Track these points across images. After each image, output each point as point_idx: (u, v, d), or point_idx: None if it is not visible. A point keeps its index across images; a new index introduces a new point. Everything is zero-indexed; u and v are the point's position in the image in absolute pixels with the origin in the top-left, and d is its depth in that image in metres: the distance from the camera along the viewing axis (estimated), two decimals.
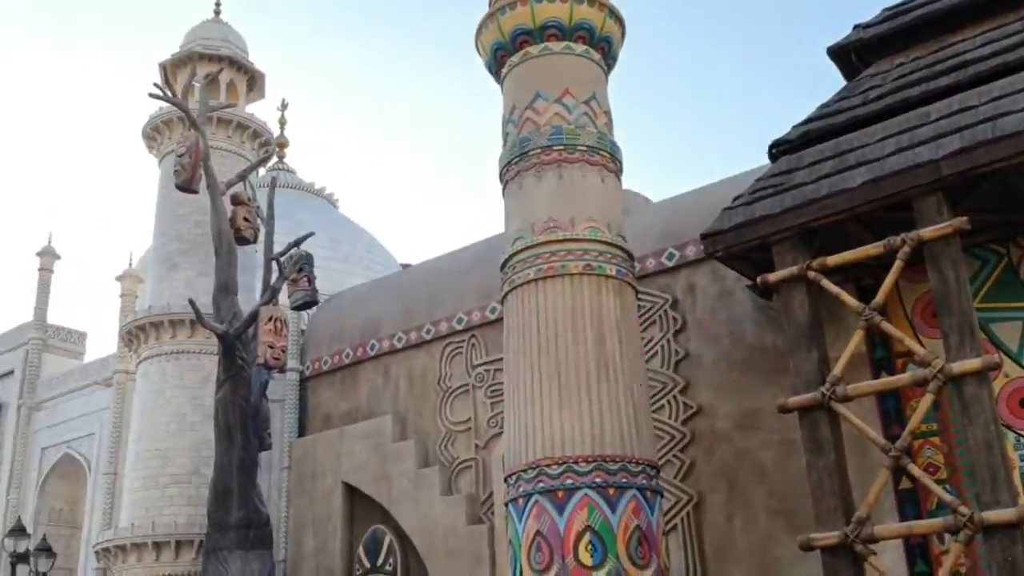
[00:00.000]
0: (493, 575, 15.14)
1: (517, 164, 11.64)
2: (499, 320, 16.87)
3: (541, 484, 10.12)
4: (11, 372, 22.02)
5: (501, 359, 16.47)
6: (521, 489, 10.32)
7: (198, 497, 15.70)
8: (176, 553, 15.17)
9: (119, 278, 20.34)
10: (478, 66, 12.56)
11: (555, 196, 11.27)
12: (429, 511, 16.23)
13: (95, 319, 64.72)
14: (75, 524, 20.20)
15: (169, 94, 15.67)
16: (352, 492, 17.71)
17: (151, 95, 14.55)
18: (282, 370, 14.69)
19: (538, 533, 10.02)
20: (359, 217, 33.37)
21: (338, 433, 18.07)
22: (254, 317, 12.85)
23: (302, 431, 18.84)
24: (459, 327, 17.31)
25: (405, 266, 22.32)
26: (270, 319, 12.44)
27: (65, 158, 70.58)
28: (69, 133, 68.19)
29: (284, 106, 28.03)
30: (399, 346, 18.20)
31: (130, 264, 20.78)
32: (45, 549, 15.96)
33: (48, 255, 22.42)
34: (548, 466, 10.13)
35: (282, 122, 27.48)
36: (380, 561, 16.83)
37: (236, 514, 13.01)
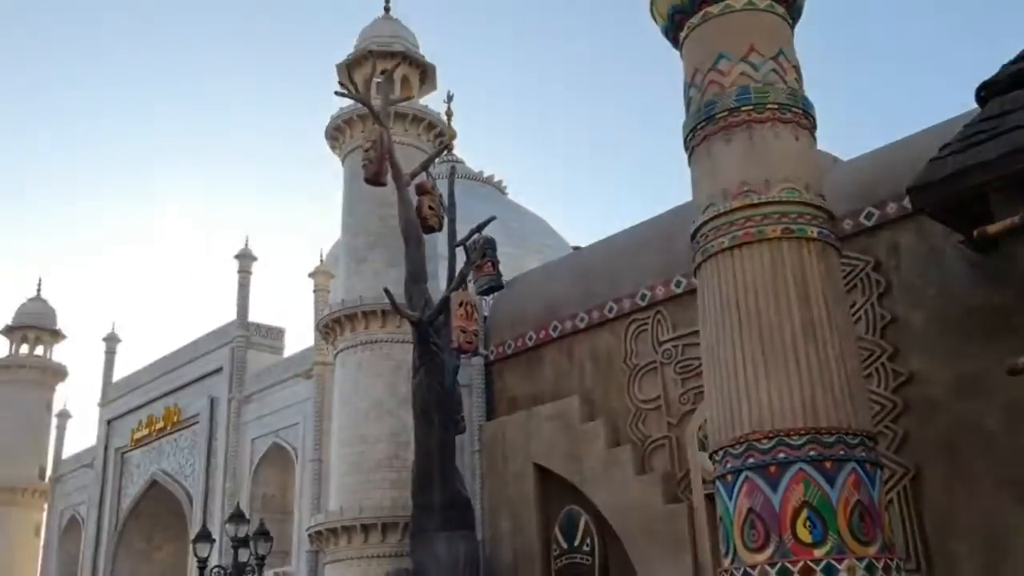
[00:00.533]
0: (694, 555, 14.83)
1: (703, 129, 11.24)
2: (685, 294, 16.58)
3: (751, 459, 9.75)
4: (220, 369, 23.51)
5: (689, 334, 16.17)
6: (729, 465, 9.98)
7: (400, 481, 16.20)
8: (383, 535, 15.70)
9: (311, 275, 21.26)
10: (640, 40, 12.25)
11: (746, 159, 10.82)
12: (623, 491, 16.08)
13: (291, 315, 68.58)
14: (286, 509, 21.32)
15: (352, 93, 16.13)
16: (544, 473, 17.81)
17: (337, 93, 15.04)
18: (475, 353, 14.91)
19: (751, 511, 9.66)
20: (528, 203, 33.61)
21: (526, 415, 18.20)
22: (445, 303, 13.08)
23: (490, 415, 19.10)
24: (643, 303, 17.04)
25: (576, 248, 22.17)
26: (461, 304, 12.61)
27: (257, 168, 75.31)
28: (258, 142, 72.58)
29: (450, 98, 28.44)
30: (581, 326, 18.13)
31: (321, 260, 21.68)
32: (263, 533, 16.88)
33: (246, 257, 23.76)
34: (758, 440, 9.74)
35: (449, 114, 27.84)
36: (577, 542, 16.84)
37: (439, 496, 13.30)
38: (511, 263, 22.79)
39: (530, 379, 19.06)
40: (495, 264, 14.36)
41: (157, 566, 26.85)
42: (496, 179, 32.57)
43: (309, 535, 16.74)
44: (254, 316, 23.86)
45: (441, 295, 14.59)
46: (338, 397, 17.26)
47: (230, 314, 23.83)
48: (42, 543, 31.44)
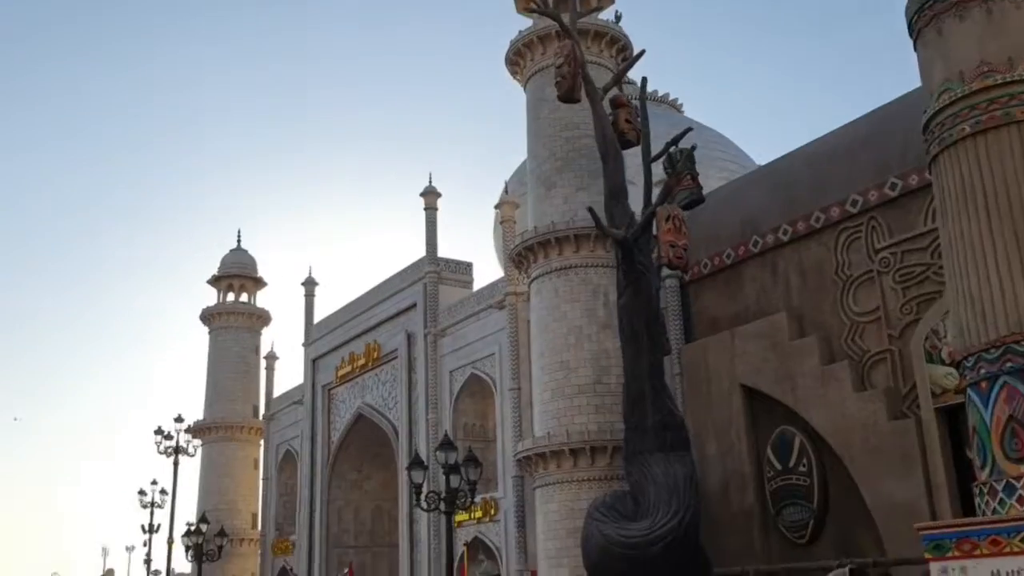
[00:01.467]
0: (925, 472, 13.92)
1: (931, 8, 10.15)
2: (902, 197, 15.36)
3: (1009, 364, 8.88)
4: (414, 305, 24.10)
5: (909, 239, 15.00)
6: (983, 371, 9.12)
7: (603, 405, 16.06)
8: (592, 459, 15.65)
9: (497, 206, 21.26)
10: None
11: (985, 35, 9.69)
12: (842, 409, 15.26)
13: (475, 250, 70.06)
14: (486, 437, 21.77)
15: (542, 8, 15.62)
16: (751, 394, 17.20)
17: (526, 10, 14.58)
18: (685, 269, 14.37)
19: (1011, 418, 8.83)
20: (706, 120, 32.31)
21: (729, 335, 17.55)
22: (651, 218, 12.59)
23: (687, 337, 18.59)
24: (854, 210, 15.91)
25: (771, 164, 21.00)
26: (668, 218, 12.08)
27: (435, 103, 76.83)
28: (437, 78, 73.84)
29: (618, 18, 27.52)
30: (785, 239, 17.18)
31: (505, 191, 21.63)
32: (472, 459, 17.23)
33: (431, 194, 24.06)
34: (1016, 342, 8.84)
35: None
36: (792, 463, 16.19)
37: (652, 417, 13.01)
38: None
39: (730, 298, 18.36)
40: (695, 177, 13.68)
41: (367, 494, 28.26)
42: (671, 97, 31.47)
43: (517, 461, 16.92)
44: (442, 252, 24.22)
45: (637, 214, 14.11)
46: (536, 324, 17.22)
47: (418, 252, 24.29)
48: (261, 475, 33.79)
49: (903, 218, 15.14)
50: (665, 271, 15.12)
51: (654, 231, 12.90)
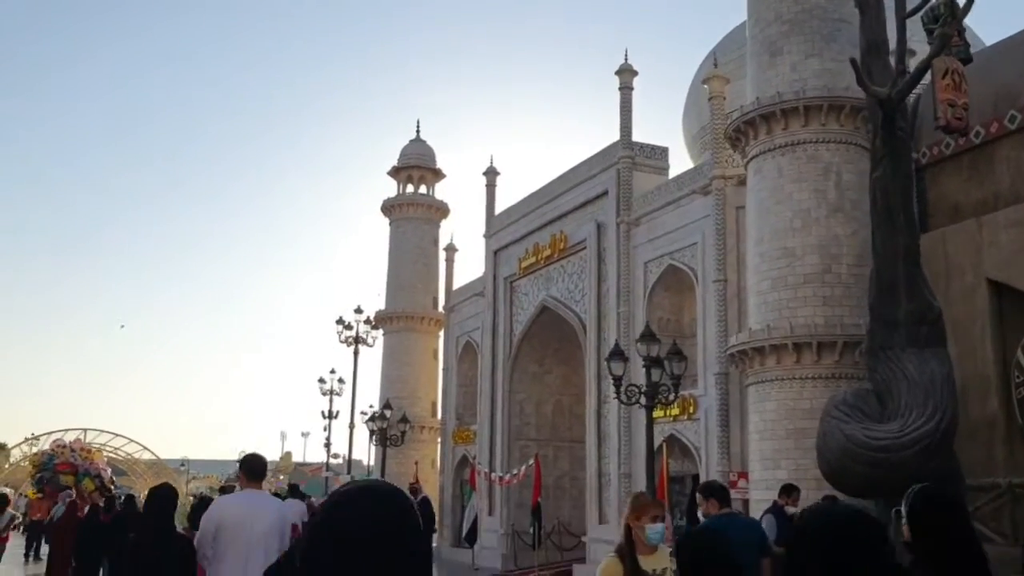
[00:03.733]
0: None
1: None
2: None
3: None
4: (605, 192, 22.84)
5: None
6: None
7: (833, 297, 14.50)
8: (818, 355, 14.21)
9: (705, 81, 19.49)
10: None
11: None
12: None
13: (667, 135, 67.36)
14: (681, 333, 20.50)
15: None
16: (1000, 290, 15.19)
17: None
18: (965, 133, 12.45)
19: None
20: None
21: (975, 224, 15.47)
22: (921, 73, 10.72)
23: (922, 227, 16.52)
24: None
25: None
26: (946, 73, 10.20)
27: None
28: None
29: None
30: None
31: (714, 64, 19.79)
32: (676, 353, 16.15)
33: (626, 72, 22.42)
34: None
35: None
36: None
37: (905, 307, 11.36)
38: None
39: (977, 182, 16.16)
40: (961, 33, 11.57)
41: (548, 388, 27.81)
42: None
43: (730, 355, 15.67)
44: (636, 135, 22.72)
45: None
46: (755, 208, 15.65)
47: (603, 139, 22.91)
48: (440, 366, 34.02)
49: None
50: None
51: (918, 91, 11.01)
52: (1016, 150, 15.58)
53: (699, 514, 7.42)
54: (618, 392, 16.44)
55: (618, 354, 16.49)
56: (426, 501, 18.99)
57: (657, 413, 18.91)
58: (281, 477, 73.60)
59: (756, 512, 12.05)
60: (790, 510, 10.50)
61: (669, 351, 16.29)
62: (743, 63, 21.60)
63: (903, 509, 5.24)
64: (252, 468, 6.44)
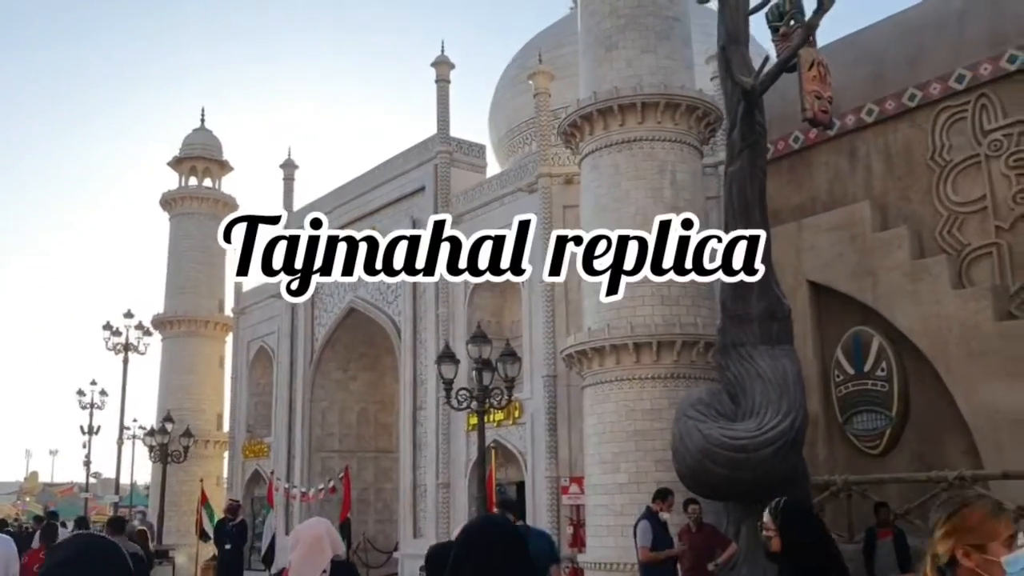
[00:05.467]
0: None
1: None
2: (1021, 72, 13.68)
3: None
4: (421, 189, 21.83)
5: None
6: None
7: (669, 297, 14.31)
8: (657, 355, 13.95)
9: (531, 76, 18.96)
10: None
11: None
12: (936, 308, 13.78)
13: (478, 132, 65.45)
14: (501, 335, 19.87)
15: None
16: (819, 291, 15.68)
17: None
18: (828, 127, 12.47)
19: None
20: None
21: (795, 227, 15.89)
22: (784, 64, 10.58)
23: None
24: (960, 87, 14.17)
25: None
26: (812, 64, 10.10)
27: None
28: None
29: None
30: (868, 120, 15.45)
31: (540, 61, 19.31)
32: (510, 354, 15.46)
33: (443, 64, 21.53)
34: None
35: None
36: (868, 367, 14.75)
37: (757, 305, 11.26)
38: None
39: (796, 186, 16.65)
40: (812, 31, 11.61)
41: (353, 395, 26.35)
42: None
43: (566, 356, 15.14)
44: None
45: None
46: (590, 206, 15.23)
47: (415, 133, 21.94)
48: (228, 374, 31.52)
49: (1022, 95, 13.47)
50: None
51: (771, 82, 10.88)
52: (835, 156, 16.18)
53: None
54: (448, 397, 15.50)
55: (448, 356, 15.55)
56: (244, 525, 17.21)
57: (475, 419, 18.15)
58: (28, 499, 66.75)
59: (630, 518, 11.43)
60: (664, 516, 9.98)
61: (503, 352, 15.58)
62: (563, 63, 21.38)
63: (769, 522, 4.72)
64: None
